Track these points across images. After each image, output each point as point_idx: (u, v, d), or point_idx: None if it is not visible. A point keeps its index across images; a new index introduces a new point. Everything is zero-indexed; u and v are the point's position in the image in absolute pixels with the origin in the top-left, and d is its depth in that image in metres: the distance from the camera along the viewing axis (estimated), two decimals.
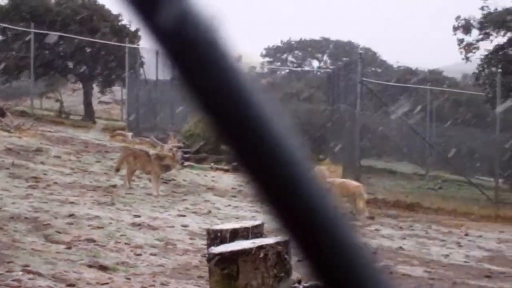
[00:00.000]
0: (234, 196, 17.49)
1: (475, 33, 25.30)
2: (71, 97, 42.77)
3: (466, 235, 16.51)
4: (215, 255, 6.52)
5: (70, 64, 38.06)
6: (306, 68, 64.04)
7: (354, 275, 0.93)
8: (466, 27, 25.29)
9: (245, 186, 0.92)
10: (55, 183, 15.79)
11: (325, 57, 67.29)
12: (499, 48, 25.17)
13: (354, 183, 18.43)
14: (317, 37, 67.11)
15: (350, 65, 25.44)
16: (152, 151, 18.36)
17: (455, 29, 25.52)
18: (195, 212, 14.59)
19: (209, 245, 7.40)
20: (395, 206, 18.98)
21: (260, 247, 6.48)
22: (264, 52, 67.85)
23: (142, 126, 31.60)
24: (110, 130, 31.23)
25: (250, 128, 0.92)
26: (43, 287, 7.83)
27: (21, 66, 35.48)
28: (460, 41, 25.61)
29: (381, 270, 0.94)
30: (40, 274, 8.23)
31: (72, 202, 13.57)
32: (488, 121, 29.12)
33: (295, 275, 8.47)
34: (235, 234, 7.38)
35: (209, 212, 14.91)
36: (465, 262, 12.99)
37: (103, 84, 39.33)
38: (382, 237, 14.86)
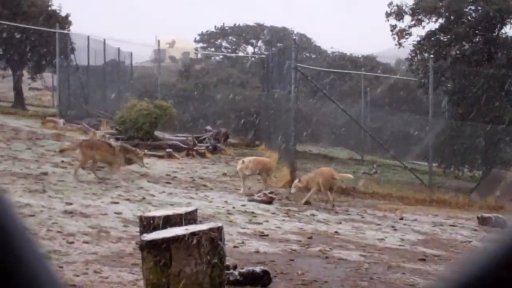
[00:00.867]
0: (169, 183, 17.32)
1: (407, 19, 25.45)
2: (1, 83, 42.01)
3: (401, 219, 16.62)
4: (147, 242, 6.36)
5: None
6: (241, 54, 63.99)
7: None
8: (399, 13, 25.39)
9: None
10: None
11: (260, 43, 67.29)
12: (431, 34, 25.37)
13: (266, 159, 19.81)
14: (251, 22, 67.03)
15: (285, 51, 25.36)
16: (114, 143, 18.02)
17: (388, 15, 25.60)
18: (128, 199, 14.38)
19: (141, 232, 7.26)
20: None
21: (193, 234, 6.33)
22: (197, 38, 67.54)
23: (73, 113, 31.13)
24: (41, 116, 30.72)
25: None
26: None
27: None
28: (393, 27, 25.72)
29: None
30: None
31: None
32: (422, 106, 29.44)
33: (229, 260, 8.35)
34: (168, 221, 7.24)
35: (143, 199, 14.72)
36: (400, 245, 13.05)
37: (33, 70, 38.75)
38: (318, 222, 14.85)
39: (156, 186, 16.81)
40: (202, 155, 24.70)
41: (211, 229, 6.45)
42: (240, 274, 8.40)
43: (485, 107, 24.05)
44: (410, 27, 25.56)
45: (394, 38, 25.96)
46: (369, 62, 47.51)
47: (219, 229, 6.54)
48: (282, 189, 18.57)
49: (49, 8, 37.50)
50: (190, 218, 7.47)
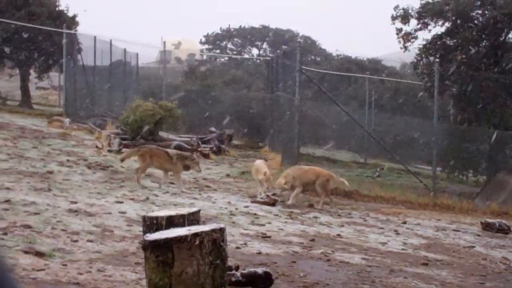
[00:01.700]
0: (172, 183, 17.36)
1: (413, 22, 25.48)
2: (8, 82, 42.13)
3: (404, 223, 16.64)
4: (150, 242, 6.41)
5: (7, 49, 37.52)
6: (246, 56, 64.04)
7: None
8: (405, 17, 25.41)
9: None
10: None
11: (265, 45, 67.34)
12: (437, 37, 25.38)
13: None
14: (256, 25, 67.09)
15: (289, 53, 25.42)
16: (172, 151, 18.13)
17: (394, 18, 25.63)
18: (132, 199, 14.43)
19: (145, 232, 7.29)
20: (333, 193, 19.03)
21: (196, 234, 6.37)
22: (203, 39, 67.64)
23: (79, 112, 31.24)
24: (47, 115, 30.84)
25: None
26: None
27: None
28: (399, 30, 25.74)
29: None
30: None
31: (8, 188, 13.32)
32: (427, 110, 29.44)
33: (231, 261, 8.40)
34: (171, 221, 7.28)
35: (147, 198, 14.77)
36: (403, 249, 13.07)
37: (40, 69, 38.86)
38: (321, 224, 14.89)
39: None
40: (206, 156, 24.75)
41: (213, 230, 6.49)
42: (242, 275, 8.45)
43: (491, 112, 24.07)
44: (416, 30, 25.60)
45: (399, 42, 25.99)
46: (374, 65, 47.52)
47: (222, 230, 6.58)
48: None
49: (57, 9, 37.65)
50: (193, 218, 7.51)
